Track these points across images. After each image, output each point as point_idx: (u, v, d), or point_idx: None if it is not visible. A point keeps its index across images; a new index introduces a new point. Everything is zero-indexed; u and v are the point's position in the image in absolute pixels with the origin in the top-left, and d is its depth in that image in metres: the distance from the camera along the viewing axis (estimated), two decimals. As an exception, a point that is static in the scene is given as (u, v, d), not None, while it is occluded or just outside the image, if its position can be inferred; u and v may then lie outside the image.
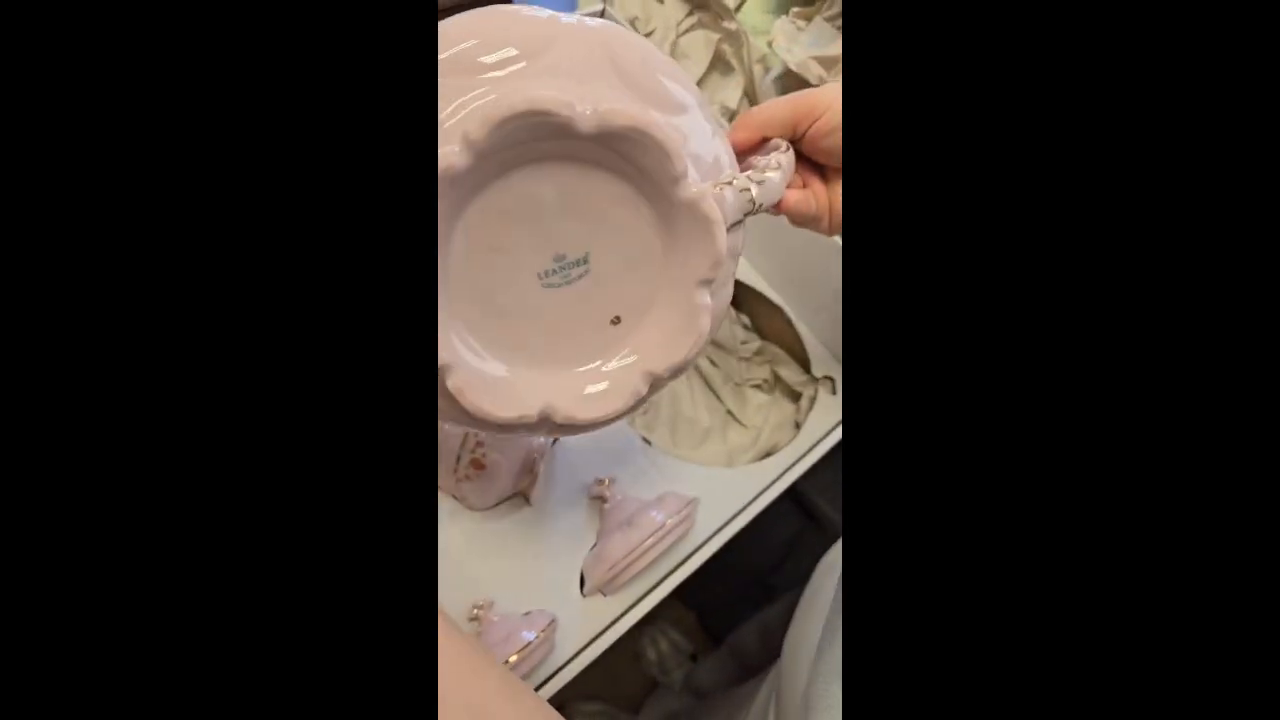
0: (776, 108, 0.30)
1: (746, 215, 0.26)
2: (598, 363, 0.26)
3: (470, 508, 0.45)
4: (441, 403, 0.25)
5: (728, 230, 0.25)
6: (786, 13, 0.63)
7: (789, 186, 0.29)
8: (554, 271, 0.24)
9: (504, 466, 0.43)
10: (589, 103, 0.21)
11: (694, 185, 0.23)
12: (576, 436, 0.43)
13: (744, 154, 0.31)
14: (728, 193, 0.25)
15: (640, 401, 0.26)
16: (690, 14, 0.66)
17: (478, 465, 0.43)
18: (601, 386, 0.26)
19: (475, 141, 0.21)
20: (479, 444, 0.42)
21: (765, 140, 0.31)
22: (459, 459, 0.43)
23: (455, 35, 0.23)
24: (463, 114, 0.22)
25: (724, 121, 0.60)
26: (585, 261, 0.25)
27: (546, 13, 0.24)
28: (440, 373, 0.23)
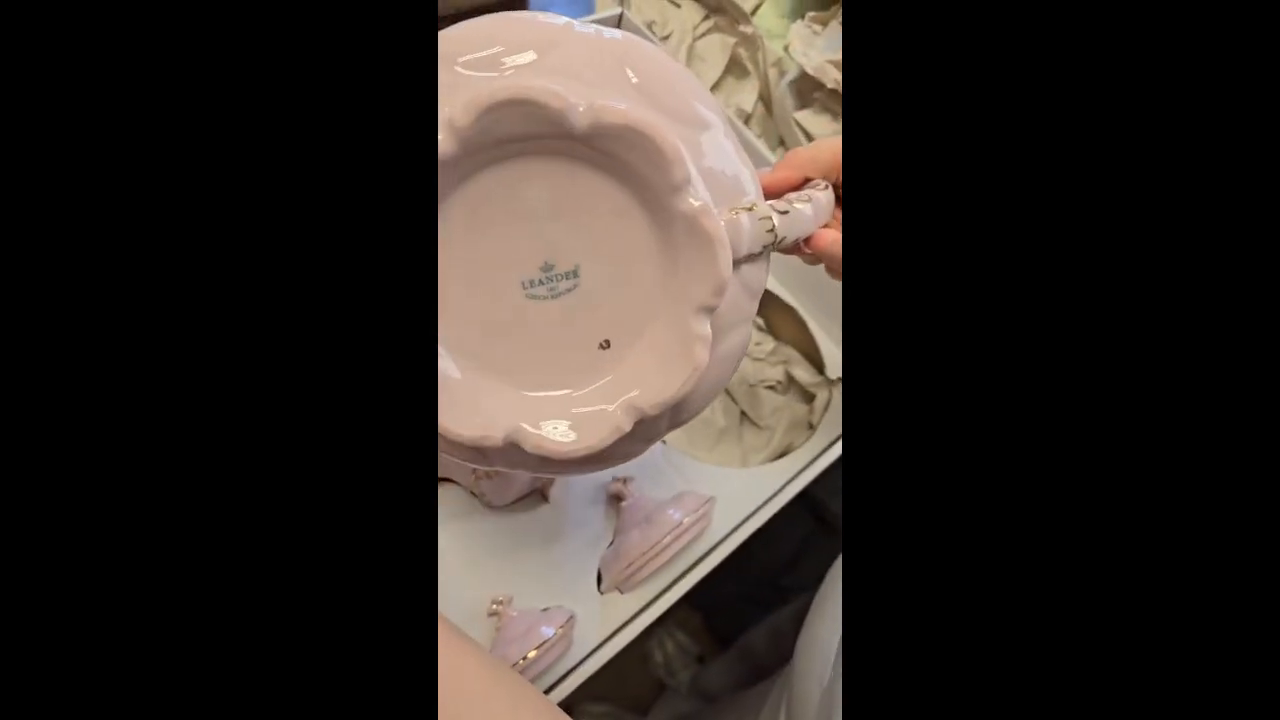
0: (822, 148, 0.29)
1: (767, 249, 0.24)
2: (577, 389, 0.24)
3: (488, 505, 0.46)
4: None
5: (745, 261, 0.24)
6: (802, 17, 0.63)
7: (826, 228, 0.28)
8: (540, 282, 0.23)
9: (523, 463, 0.44)
10: (586, 99, 0.20)
11: (696, 199, 0.21)
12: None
13: (784, 193, 0.29)
14: (745, 218, 0.23)
15: (624, 442, 0.24)
16: (706, 18, 0.67)
17: (497, 462, 0.43)
18: (577, 417, 0.23)
19: (461, 128, 0.20)
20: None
21: (807, 181, 0.29)
22: (479, 455, 0.43)
23: (477, 40, 0.22)
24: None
25: (741, 124, 0.61)
26: (575, 274, 0.23)
27: (562, 19, 0.24)
28: None
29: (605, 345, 0.24)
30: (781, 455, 0.54)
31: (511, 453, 0.24)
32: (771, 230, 0.24)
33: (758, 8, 0.68)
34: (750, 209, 0.24)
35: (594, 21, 0.59)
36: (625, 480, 0.46)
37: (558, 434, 0.23)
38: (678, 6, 0.67)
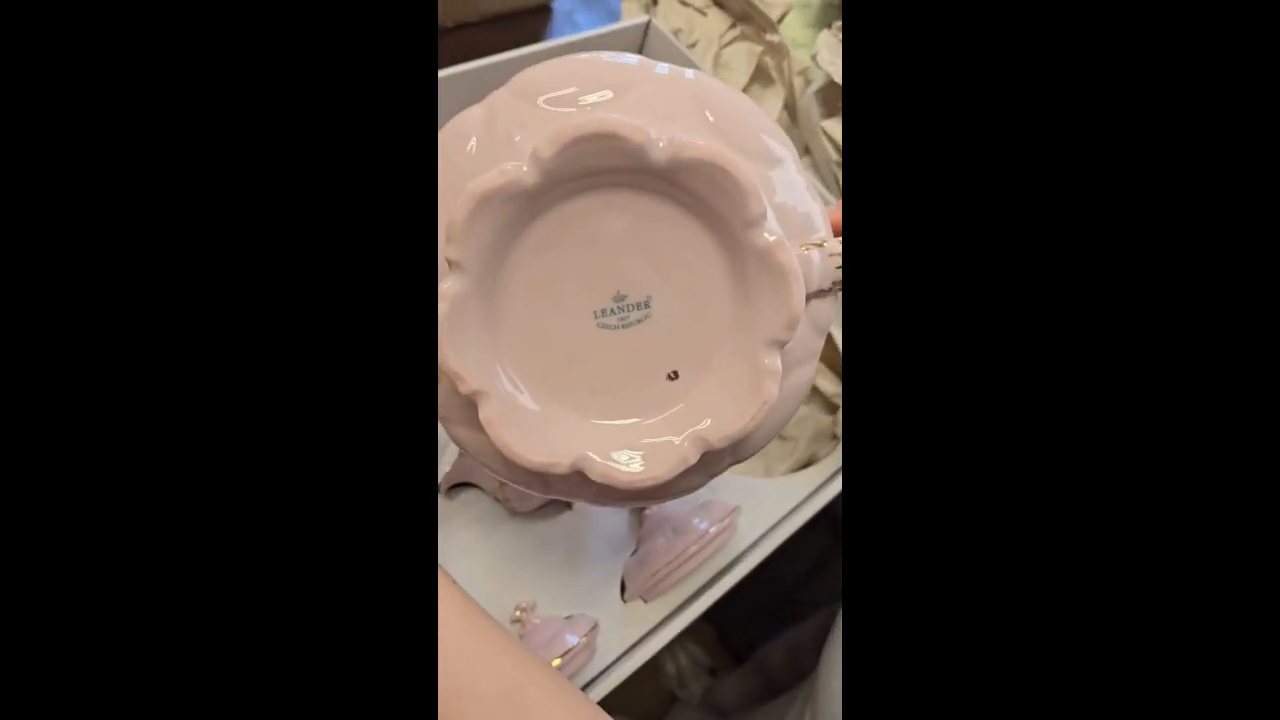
0: None
1: (836, 285, 0.24)
2: (644, 419, 0.24)
3: (512, 511, 0.45)
4: (470, 438, 0.24)
5: (813, 296, 0.24)
6: (829, 26, 0.63)
7: None
8: (611, 311, 0.23)
9: (548, 469, 0.43)
10: (666, 134, 0.21)
11: (771, 233, 0.22)
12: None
13: None
14: (815, 254, 0.24)
15: (688, 474, 0.24)
16: (733, 26, 0.67)
17: (522, 467, 0.43)
18: (644, 447, 0.23)
19: (544, 160, 0.20)
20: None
21: None
22: (504, 460, 0.42)
23: (556, 79, 0.23)
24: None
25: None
26: (647, 305, 0.23)
27: (636, 58, 0.24)
28: (474, 399, 0.22)
29: (673, 376, 0.24)
30: (805, 466, 0.53)
31: (574, 481, 0.24)
32: (841, 267, 0.24)
33: (784, 16, 0.68)
34: (820, 244, 0.24)
35: (620, 30, 0.59)
36: (650, 488, 0.46)
37: (624, 464, 0.23)
38: (704, 15, 0.67)
